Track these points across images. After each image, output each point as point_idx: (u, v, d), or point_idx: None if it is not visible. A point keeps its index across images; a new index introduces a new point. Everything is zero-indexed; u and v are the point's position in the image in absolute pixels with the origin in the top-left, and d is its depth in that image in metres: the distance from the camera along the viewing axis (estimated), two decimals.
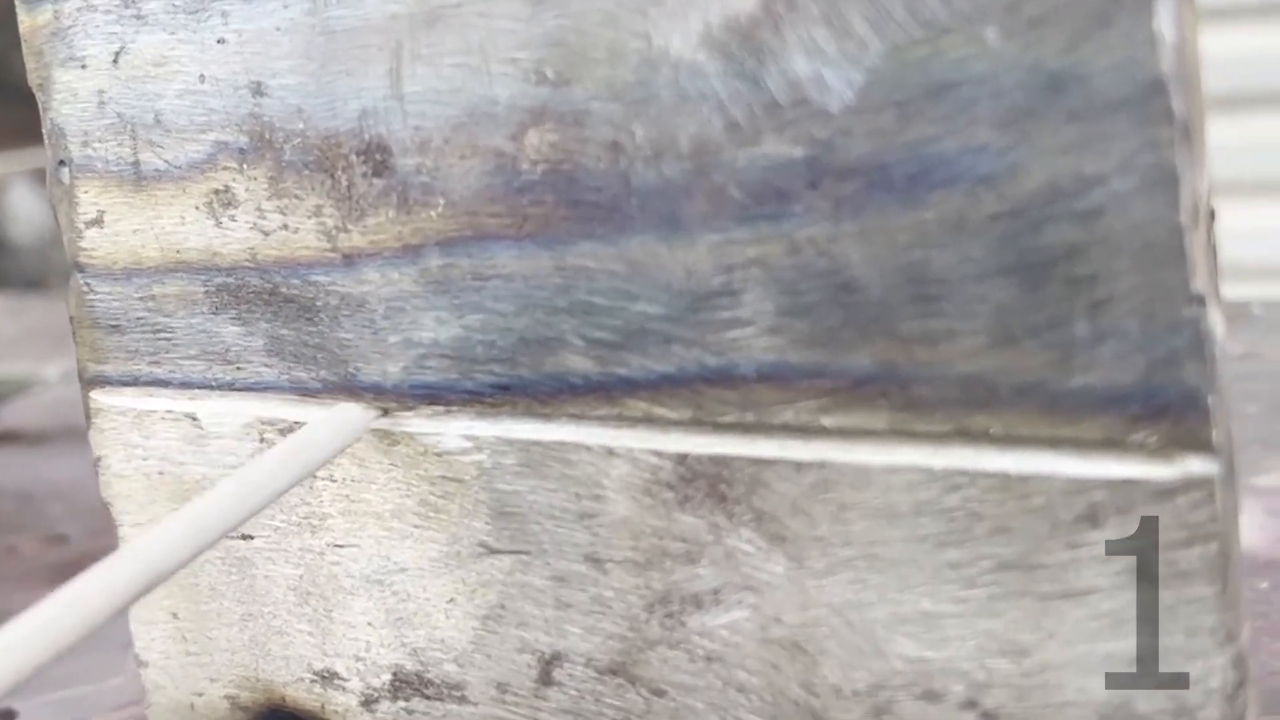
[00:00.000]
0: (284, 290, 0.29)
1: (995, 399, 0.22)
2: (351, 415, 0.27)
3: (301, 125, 0.28)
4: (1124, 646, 0.21)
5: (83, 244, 0.32)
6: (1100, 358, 0.21)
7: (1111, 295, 0.21)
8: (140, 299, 0.31)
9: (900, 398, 0.23)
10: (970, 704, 0.23)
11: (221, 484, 0.24)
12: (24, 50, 0.31)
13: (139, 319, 0.31)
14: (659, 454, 0.25)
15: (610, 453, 0.26)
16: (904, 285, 0.22)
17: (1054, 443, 0.22)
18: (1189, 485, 0.21)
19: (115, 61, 0.30)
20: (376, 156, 0.27)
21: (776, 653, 0.25)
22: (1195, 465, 0.21)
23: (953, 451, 0.22)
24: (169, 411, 0.32)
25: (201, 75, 0.29)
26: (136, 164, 0.30)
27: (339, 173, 0.27)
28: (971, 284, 0.22)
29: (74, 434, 0.86)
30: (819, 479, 0.24)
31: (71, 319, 0.33)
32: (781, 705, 0.25)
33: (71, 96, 0.31)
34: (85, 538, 0.64)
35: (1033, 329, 0.21)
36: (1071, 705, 0.22)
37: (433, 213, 0.27)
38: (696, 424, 0.25)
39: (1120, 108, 0.20)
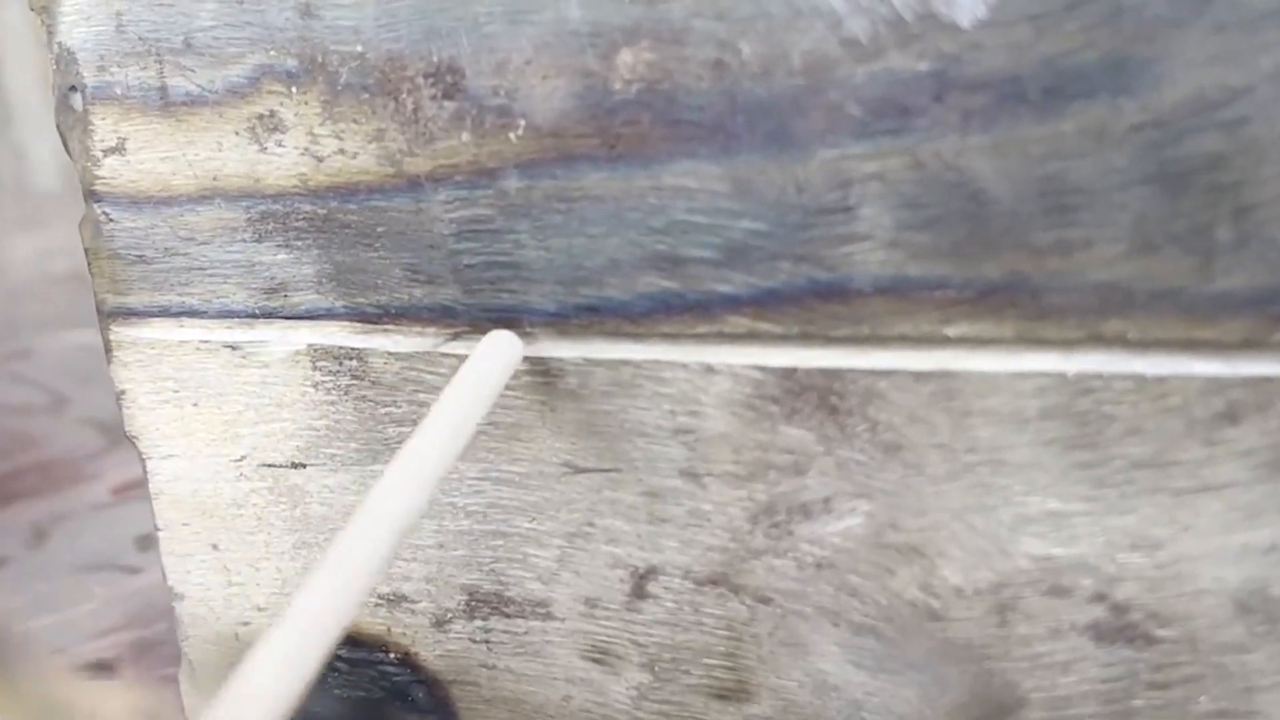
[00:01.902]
0: (340, 216, 0.28)
1: (1132, 304, 0.22)
2: (507, 341, 0.27)
3: (360, 47, 0.27)
4: (1261, 536, 0.22)
5: (100, 172, 0.30)
6: (1242, 261, 0.21)
7: (1256, 201, 0.21)
8: (170, 228, 0.30)
9: (1030, 306, 0.23)
10: (1100, 597, 0.24)
11: (425, 428, 0.24)
12: None
13: (168, 248, 0.30)
14: (763, 369, 0.25)
15: (709, 369, 0.26)
16: (1037, 196, 0.22)
17: (1191, 345, 0.22)
18: None
19: None
20: (447, 78, 0.26)
21: (892, 557, 0.25)
22: None
23: (1085, 356, 0.23)
24: (204, 342, 0.31)
25: None
26: (163, 89, 0.29)
27: (404, 95, 0.27)
28: (1112, 193, 0.22)
29: None
30: (941, 388, 0.24)
31: (87, 250, 0.31)
32: (897, 607, 0.25)
33: (83, 19, 0.29)
34: None
35: (1174, 236, 0.22)
36: (1206, 594, 0.23)
37: (511, 135, 0.26)
38: (805, 338, 0.25)
39: (1270, 18, 0.20)
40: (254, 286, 0.30)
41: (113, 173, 0.30)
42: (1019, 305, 0.23)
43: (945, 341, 0.24)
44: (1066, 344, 0.23)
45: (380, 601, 0.31)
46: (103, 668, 0.42)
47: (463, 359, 0.28)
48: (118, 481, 0.58)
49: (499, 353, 0.26)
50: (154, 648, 0.42)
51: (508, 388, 0.28)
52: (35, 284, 1.02)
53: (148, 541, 0.51)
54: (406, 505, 0.22)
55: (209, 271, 0.30)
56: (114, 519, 0.54)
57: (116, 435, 0.64)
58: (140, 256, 0.31)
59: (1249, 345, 0.22)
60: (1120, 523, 0.23)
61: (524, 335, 0.27)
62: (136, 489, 0.57)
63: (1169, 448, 0.23)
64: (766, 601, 0.27)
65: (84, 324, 0.87)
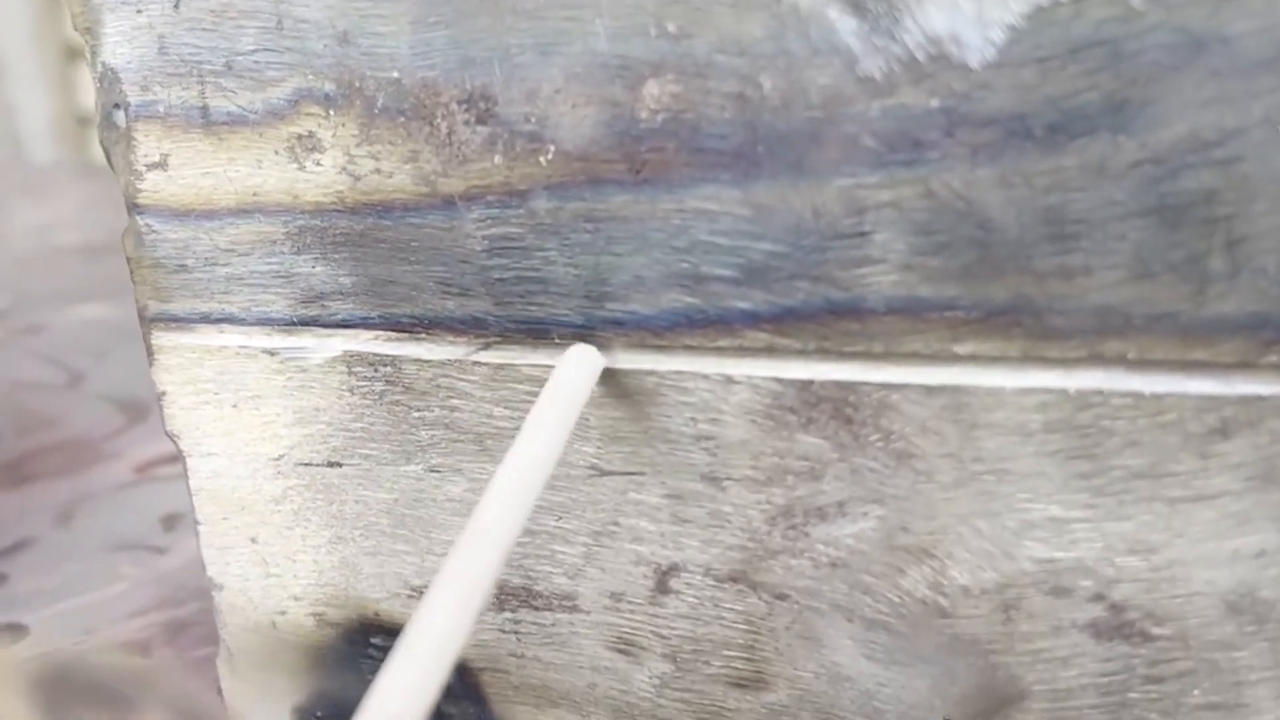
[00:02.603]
0: (376, 232, 0.30)
1: (1130, 326, 0.24)
2: (590, 356, 0.28)
3: (396, 74, 0.28)
4: (1250, 542, 0.24)
5: (143, 186, 0.32)
6: (1235, 289, 0.23)
7: (1247, 234, 0.23)
8: (211, 240, 0.31)
9: (1035, 326, 0.25)
10: (1098, 597, 0.25)
11: (519, 448, 0.25)
12: None
13: (209, 259, 0.32)
14: (781, 381, 0.27)
15: (729, 380, 0.27)
16: (1041, 225, 0.24)
17: (1187, 365, 0.24)
18: None
19: (176, 6, 0.30)
20: (480, 105, 0.28)
21: (903, 558, 0.27)
22: None
23: (1086, 374, 0.24)
24: (244, 347, 0.32)
25: (279, 21, 0.29)
26: (205, 109, 0.30)
27: (438, 120, 0.28)
28: (1111, 224, 0.23)
29: None
30: (950, 402, 0.25)
31: (129, 259, 0.33)
32: (908, 605, 0.27)
33: (126, 41, 0.31)
34: (16, 436, 0.64)
35: (1170, 264, 0.23)
36: (1199, 595, 0.25)
37: (541, 159, 0.27)
38: (821, 353, 0.26)
39: (1264, 67, 0.22)
40: (292, 296, 0.31)
41: (155, 187, 0.32)
42: (1024, 326, 0.25)
43: (954, 358, 0.25)
44: (1068, 363, 0.24)
45: (414, 594, 0.32)
46: (137, 649, 0.43)
47: (500, 366, 0.29)
48: (139, 460, 0.59)
49: (582, 366, 0.27)
50: (186, 628, 0.44)
51: (536, 395, 0.29)
52: (42, 256, 1.03)
53: (173, 521, 0.52)
54: (509, 525, 0.23)
55: (249, 281, 0.31)
56: (138, 498, 0.55)
57: (135, 413, 0.65)
58: (182, 266, 0.32)
59: (1241, 366, 0.23)
60: (1118, 529, 0.25)
61: (553, 345, 0.29)
62: (158, 467, 0.58)
63: (1165, 460, 0.24)
64: (783, 598, 0.28)
65: (94, 298, 0.88)
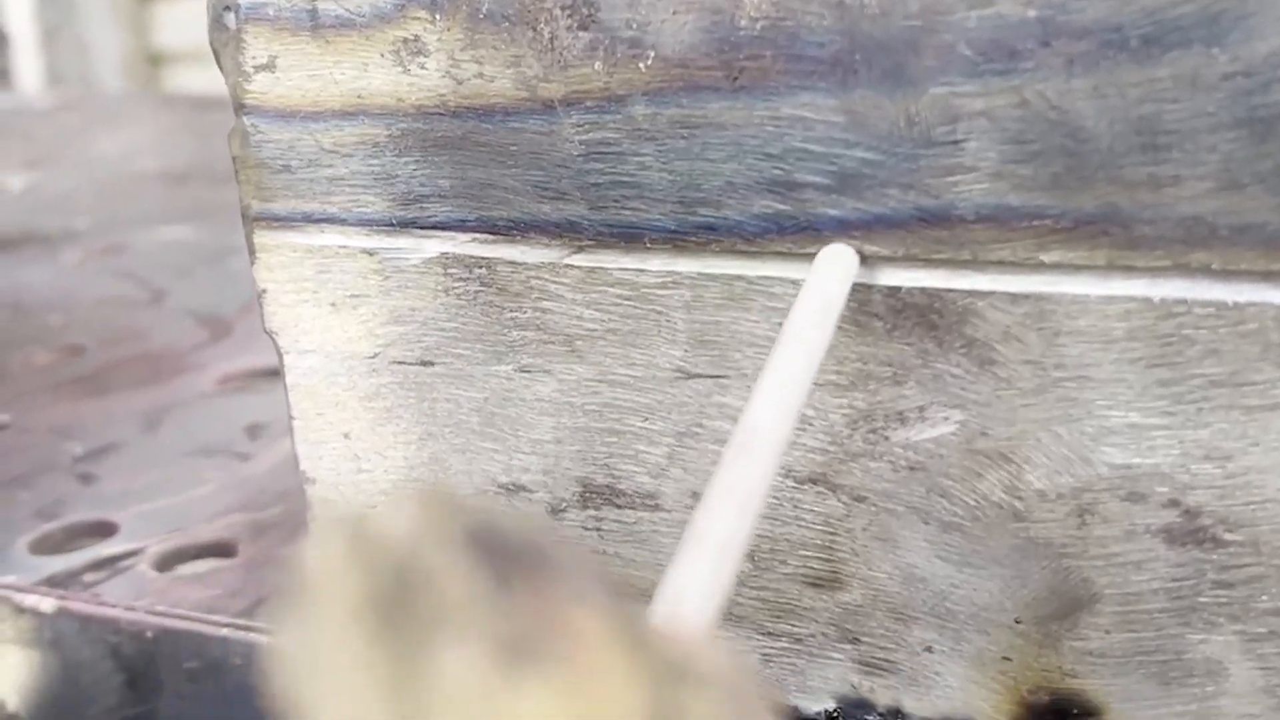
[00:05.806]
0: (476, 135, 0.30)
1: (1216, 237, 0.24)
2: (845, 255, 0.28)
3: None
4: None
5: (250, 87, 0.33)
6: None
7: None
8: (315, 141, 0.32)
9: (1122, 236, 0.25)
10: (1173, 503, 0.26)
11: (782, 352, 0.25)
12: None
13: (312, 160, 0.33)
14: (868, 287, 0.28)
15: None
16: (1133, 135, 0.24)
17: (1270, 275, 0.24)
18: None
19: None
20: (583, 10, 0.28)
21: (981, 462, 0.28)
22: None
23: (1171, 283, 0.25)
24: (343, 247, 0.33)
25: None
26: (314, 12, 0.31)
27: (541, 25, 0.29)
28: (1201, 135, 0.24)
29: (42, 240, 0.86)
30: (1034, 309, 0.26)
31: (234, 158, 0.34)
32: (984, 508, 0.28)
33: None
34: (100, 348, 0.65)
35: (1258, 175, 0.24)
36: (1271, 502, 0.25)
37: (641, 65, 0.28)
38: (909, 260, 0.27)
39: None
40: (392, 198, 0.32)
41: (263, 88, 0.33)
42: (1111, 235, 0.25)
43: (1041, 266, 0.26)
44: (1154, 271, 0.25)
45: (500, 491, 0.33)
46: (222, 547, 0.45)
47: (593, 270, 0.30)
48: (222, 373, 0.61)
49: (838, 266, 0.27)
50: (270, 529, 0.45)
51: (626, 299, 0.30)
52: (123, 182, 1.05)
53: (257, 430, 0.54)
54: (782, 426, 0.24)
55: (350, 182, 0.32)
56: (222, 408, 0.57)
57: (217, 328, 0.67)
58: (285, 166, 0.33)
59: None
60: (1195, 436, 0.26)
61: (645, 250, 0.30)
62: (240, 380, 0.60)
63: (1244, 369, 0.25)
64: (861, 500, 0.29)
65: (176, 221, 0.90)
